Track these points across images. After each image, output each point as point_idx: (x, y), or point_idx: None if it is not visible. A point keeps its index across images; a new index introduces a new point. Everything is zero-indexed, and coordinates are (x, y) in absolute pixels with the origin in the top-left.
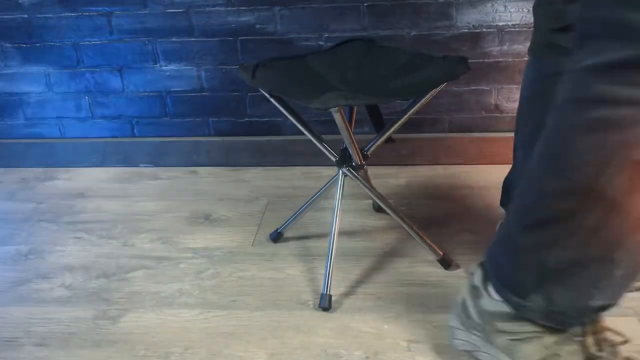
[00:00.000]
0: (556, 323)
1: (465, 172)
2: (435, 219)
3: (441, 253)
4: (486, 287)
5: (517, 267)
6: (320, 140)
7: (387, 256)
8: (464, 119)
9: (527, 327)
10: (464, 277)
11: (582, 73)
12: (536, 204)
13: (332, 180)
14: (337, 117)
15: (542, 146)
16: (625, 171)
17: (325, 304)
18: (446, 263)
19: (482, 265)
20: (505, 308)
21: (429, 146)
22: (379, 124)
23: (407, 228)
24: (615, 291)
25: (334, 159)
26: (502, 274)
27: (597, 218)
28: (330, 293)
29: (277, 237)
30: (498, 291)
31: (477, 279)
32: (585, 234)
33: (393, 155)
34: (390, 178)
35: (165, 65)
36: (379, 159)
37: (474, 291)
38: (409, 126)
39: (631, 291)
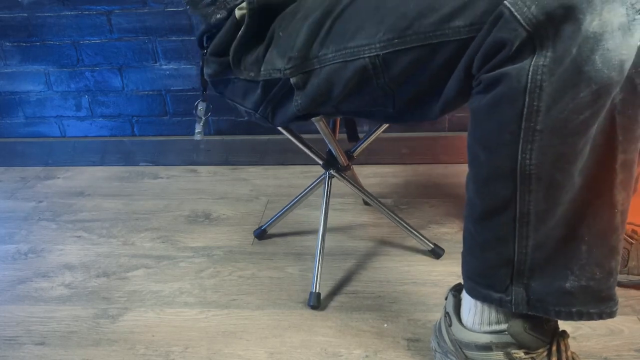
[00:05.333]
0: (541, 312)
1: (466, 171)
2: (435, 218)
3: (431, 244)
4: (457, 315)
5: (487, 264)
6: (307, 146)
7: (387, 255)
8: (464, 117)
9: (495, 357)
10: None
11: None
12: (475, 196)
13: (319, 181)
14: (319, 125)
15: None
16: (534, 143)
17: (314, 302)
18: (437, 254)
19: (454, 291)
20: (474, 337)
21: (428, 145)
22: (353, 136)
23: (396, 222)
24: (587, 269)
25: (320, 162)
26: (477, 274)
27: (539, 200)
28: (319, 291)
29: (261, 234)
30: (476, 296)
31: (449, 305)
32: (537, 219)
33: (393, 154)
34: (390, 177)
35: (165, 64)
36: (379, 158)
37: (447, 317)
38: (409, 125)
39: (630, 286)
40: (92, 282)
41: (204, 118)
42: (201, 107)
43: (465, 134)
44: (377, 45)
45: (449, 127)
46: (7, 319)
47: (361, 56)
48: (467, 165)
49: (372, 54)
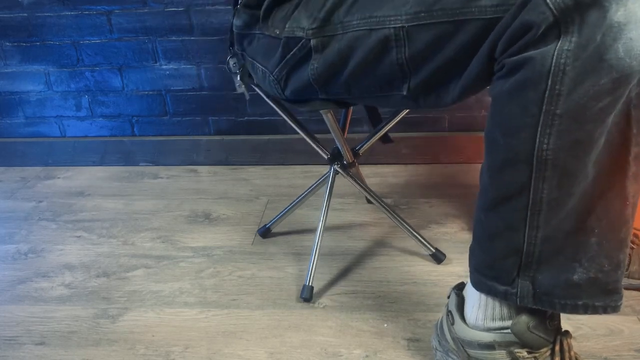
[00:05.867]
0: (547, 305)
1: (465, 171)
2: (435, 218)
3: (433, 249)
4: (460, 313)
5: (495, 254)
6: (313, 139)
7: (387, 255)
8: (464, 117)
9: (498, 356)
10: (463, 277)
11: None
12: (489, 183)
13: (324, 178)
14: (327, 118)
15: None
16: (553, 127)
17: (306, 295)
18: (438, 258)
19: (457, 289)
20: (477, 336)
21: (429, 145)
22: (376, 120)
23: (398, 223)
24: (596, 261)
25: (325, 157)
26: (484, 266)
27: (552, 187)
28: (312, 285)
29: (265, 232)
30: (482, 289)
31: (452, 304)
32: (549, 208)
33: (393, 154)
34: (390, 177)
35: (165, 64)
36: (379, 158)
37: (449, 316)
38: (409, 125)
39: (630, 288)
40: (92, 282)
41: (239, 72)
42: (232, 62)
43: (465, 134)
44: (404, 17)
45: (449, 127)
46: (7, 319)
47: (386, 26)
48: (467, 165)
49: (397, 25)
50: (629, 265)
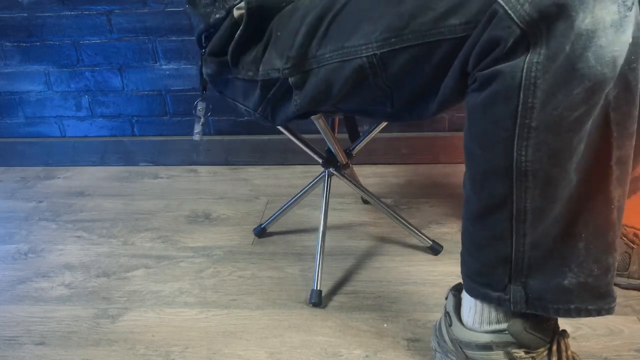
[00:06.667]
0: (540, 310)
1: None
2: (435, 218)
3: (430, 241)
4: (458, 314)
5: (485, 262)
6: (306, 145)
7: (387, 255)
8: (464, 117)
9: (495, 356)
10: None
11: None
12: (472, 194)
13: (318, 179)
14: (319, 124)
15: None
16: (530, 140)
17: (315, 300)
18: (436, 250)
19: (454, 291)
20: (474, 337)
21: (429, 145)
22: (354, 135)
23: (394, 219)
24: (585, 266)
25: (320, 160)
26: (475, 273)
27: (535, 197)
28: (320, 289)
29: (260, 232)
30: (475, 295)
31: (450, 305)
32: (534, 216)
33: (393, 154)
34: (391, 177)
35: (165, 64)
36: (379, 158)
37: (447, 317)
38: (409, 125)
39: (630, 288)
40: (92, 282)
41: (203, 118)
42: (200, 106)
43: None
44: (374, 45)
45: (449, 127)
46: (7, 319)
47: (358, 55)
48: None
49: (369, 54)
50: (629, 265)
